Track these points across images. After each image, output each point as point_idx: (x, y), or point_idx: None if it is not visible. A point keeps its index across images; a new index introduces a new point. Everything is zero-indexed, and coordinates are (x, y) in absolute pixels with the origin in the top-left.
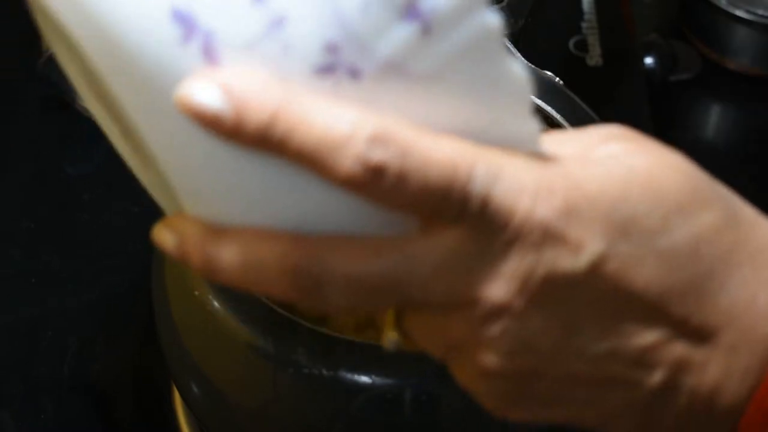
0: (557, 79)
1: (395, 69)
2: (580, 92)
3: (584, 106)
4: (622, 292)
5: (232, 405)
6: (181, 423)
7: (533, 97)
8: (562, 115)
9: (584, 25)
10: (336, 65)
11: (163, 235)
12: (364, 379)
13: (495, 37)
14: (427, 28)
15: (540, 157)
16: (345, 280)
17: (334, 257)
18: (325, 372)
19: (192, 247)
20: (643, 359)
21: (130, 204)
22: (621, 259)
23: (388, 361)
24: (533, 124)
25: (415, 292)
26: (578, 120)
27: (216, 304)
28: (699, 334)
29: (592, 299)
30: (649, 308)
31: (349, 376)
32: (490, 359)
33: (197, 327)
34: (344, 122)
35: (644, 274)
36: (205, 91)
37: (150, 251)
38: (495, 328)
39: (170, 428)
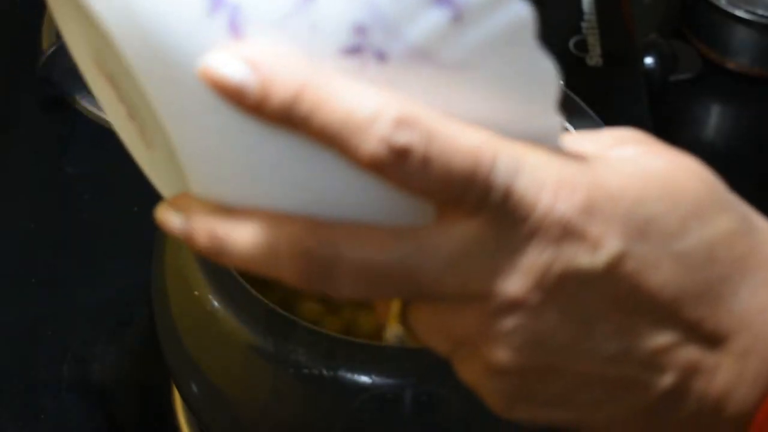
0: None
1: (423, 55)
2: (580, 92)
3: (584, 106)
4: (637, 292)
5: (232, 405)
6: (181, 423)
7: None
8: (562, 114)
9: (584, 25)
10: (363, 47)
11: (168, 214)
12: (364, 379)
13: (526, 29)
14: (458, 16)
15: (563, 152)
16: (356, 268)
17: (347, 243)
18: (325, 372)
19: (200, 226)
20: (655, 361)
21: (130, 204)
22: (638, 260)
23: (388, 361)
24: (557, 119)
25: (428, 283)
26: (578, 120)
27: (216, 304)
28: (711, 339)
29: (607, 298)
30: (663, 310)
31: (349, 376)
32: (500, 355)
33: (197, 327)
34: (370, 103)
35: (660, 275)
36: (231, 63)
37: (150, 251)
38: (508, 323)
39: (170, 428)
